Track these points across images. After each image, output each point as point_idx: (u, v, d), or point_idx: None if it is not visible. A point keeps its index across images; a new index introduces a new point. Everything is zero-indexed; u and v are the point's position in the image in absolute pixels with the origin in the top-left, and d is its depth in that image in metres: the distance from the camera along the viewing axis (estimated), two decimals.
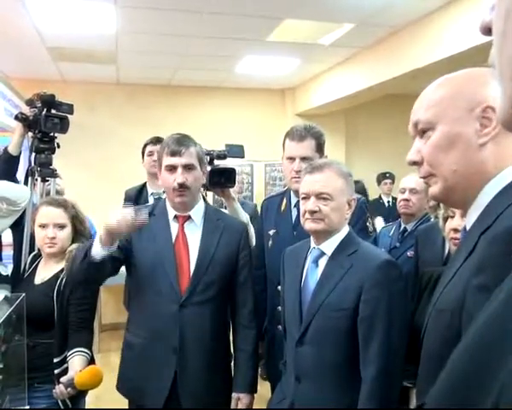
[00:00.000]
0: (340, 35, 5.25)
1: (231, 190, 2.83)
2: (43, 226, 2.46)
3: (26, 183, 3.15)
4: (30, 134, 3.12)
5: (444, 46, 4.39)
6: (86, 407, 2.62)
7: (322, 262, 2.01)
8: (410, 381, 1.88)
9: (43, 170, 3.10)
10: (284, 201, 2.64)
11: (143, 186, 3.86)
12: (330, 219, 1.96)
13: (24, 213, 2.84)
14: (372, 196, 6.93)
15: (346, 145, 7.94)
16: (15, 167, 3.11)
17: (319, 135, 2.52)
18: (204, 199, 2.46)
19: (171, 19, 4.75)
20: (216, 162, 2.78)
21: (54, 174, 3.18)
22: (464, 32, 4.09)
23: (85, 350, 2.36)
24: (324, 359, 1.91)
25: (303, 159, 2.43)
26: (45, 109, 3.04)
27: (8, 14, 4.60)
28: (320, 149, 2.51)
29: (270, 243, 2.60)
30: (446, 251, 2.61)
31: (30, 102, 3.18)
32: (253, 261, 2.46)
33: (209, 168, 2.63)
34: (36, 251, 2.70)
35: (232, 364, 2.39)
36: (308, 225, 1.99)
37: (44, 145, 3.11)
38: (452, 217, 2.21)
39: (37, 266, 2.59)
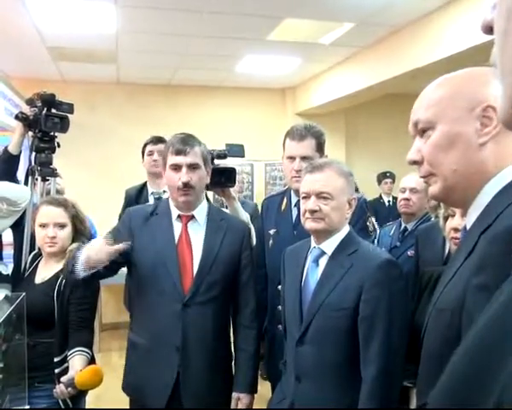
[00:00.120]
0: (341, 34, 5.25)
1: (231, 189, 2.83)
2: (44, 226, 2.46)
3: (26, 182, 3.15)
4: (30, 133, 3.12)
5: (444, 46, 4.39)
6: (87, 407, 2.63)
7: (323, 262, 2.00)
8: (410, 381, 1.88)
9: (44, 169, 3.10)
10: (284, 200, 2.64)
11: (144, 186, 3.85)
12: (331, 218, 1.96)
13: (24, 212, 2.84)
14: (372, 195, 6.92)
15: (346, 145, 7.94)
16: (15, 167, 3.11)
17: (319, 134, 2.52)
18: (207, 199, 2.46)
19: (171, 18, 4.75)
20: (216, 162, 2.78)
21: (54, 174, 3.18)
22: (464, 31, 4.09)
23: (86, 350, 2.36)
24: (324, 358, 1.91)
25: (303, 158, 2.43)
26: (45, 109, 3.04)
27: (8, 14, 4.60)
28: (320, 148, 2.51)
29: (271, 242, 2.60)
30: (447, 251, 2.61)
31: (30, 102, 3.18)
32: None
33: None
34: (36, 250, 2.70)
35: (233, 363, 2.39)
36: (308, 224, 1.99)
37: (45, 145, 3.11)
38: (453, 216, 2.21)
39: (37, 265, 2.59)
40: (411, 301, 2.19)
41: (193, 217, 2.32)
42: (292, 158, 2.49)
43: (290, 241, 2.31)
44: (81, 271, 2.07)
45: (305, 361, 1.95)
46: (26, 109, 3.17)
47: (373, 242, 2.87)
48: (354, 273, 1.90)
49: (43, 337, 2.37)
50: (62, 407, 2.30)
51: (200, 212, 2.34)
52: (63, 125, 3.10)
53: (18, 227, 2.93)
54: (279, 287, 2.30)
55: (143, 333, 2.30)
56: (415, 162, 1.19)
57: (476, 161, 1.09)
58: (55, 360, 2.36)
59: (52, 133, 3.13)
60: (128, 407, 2.40)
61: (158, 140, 3.75)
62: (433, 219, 3.07)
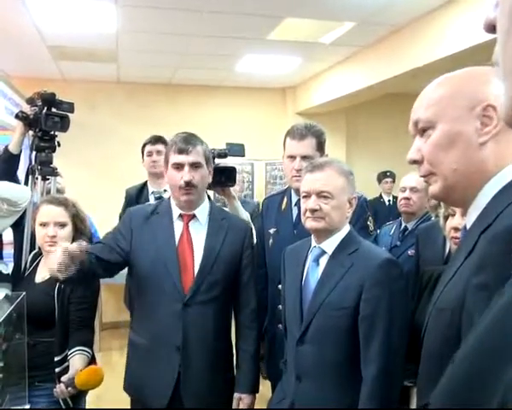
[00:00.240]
0: (341, 34, 5.25)
1: (232, 188, 2.83)
2: (44, 225, 2.46)
3: (26, 181, 3.14)
4: (30, 133, 3.12)
5: (444, 45, 4.39)
6: (87, 406, 2.63)
7: (323, 261, 2.00)
8: (410, 380, 1.88)
9: (44, 168, 3.10)
10: (285, 199, 2.64)
11: (144, 185, 3.86)
12: (331, 217, 1.96)
13: (24, 212, 2.84)
14: (373, 194, 6.92)
15: (346, 144, 7.94)
16: (16, 166, 3.11)
17: (320, 134, 2.52)
18: (209, 198, 2.45)
19: (171, 18, 4.75)
20: (217, 161, 2.78)
21: (54, 173, 3.17)
22: (465, 30, 4.09)
23: (86, 349, 2.36)
24: (325, 358, 1.91)
25: (304, 157, 2.43)
26: (46, 108, 3.04)
27: (8, 13, 4.60)
28: (321, 147, 2.51)
29: (271, 241, 2.60)
30: (447, 250, 2.61)
31: (30, 101, 3.18)
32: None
33: None
34: (36, 250, 2.70)
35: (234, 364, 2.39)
36: (309, 223, 1.99)
37: (45, 144, 3.11)
38: (453, 216, 2.20)
39: (37, 264, 2.59)
40: (411, 300, 2.19)
41: (194, 216, 2.32)
42: (292, 157, 2.49)
43: (290, 240, 2.31)
44: (58, 273, 1.99)
45: (306, 361, 1.95)
46: (27, 108, 3.17)
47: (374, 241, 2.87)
48: (355, 273, 1.90)
49: (43, 337, 2.37)
50: (62, 406, 2.30)
51: (202, 211, 2.33)
52: (63, 124, 3.10)
53: (18, 227, 2.93)
54: (279, 286, 2.30)
55: (144, 333, 2.30)
56: (415, 162, 1.19)
57: (476, 160, 1.09)
58: (56, 359, 2.36)
59: (52, 132, 3.12)
60: (128, 407, 2.40)
61: (156, 140, 3.75)
62: (433, 218, 3.07)
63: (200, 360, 2.22)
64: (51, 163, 3.14)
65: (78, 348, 2.34)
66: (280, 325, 2.31)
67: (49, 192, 3.15)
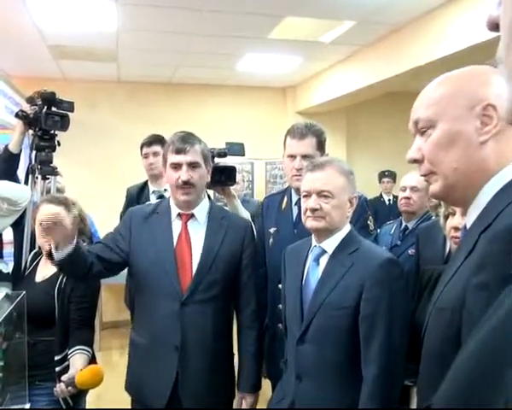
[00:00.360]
0: (341, 33, 5.24)
1: (234, 187, 2.83)
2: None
3: (26, 181, 3.15)
4: (30, 132, 3.12)
5: (445, 44, 4.39)
6: (87, 406, 2.63)
7: (324, 260, 2.00)
8: (410, 380, 1.88)
9: (44, 168, 3.10)
10: (285, 199, 2.64)
11: (145, 184, 3.86)
12: (331, 217, 1.95)
13: (24, 211, 2.84)
14: (373, 194, 6.92)
15: (346, 143, 7.94)
16: (16, 165, 3.11)
17: (320, 133, 2.52)
18: (209, 197, 2.45)
19: (171, 16, 4.75)
20: (216, 160, 2.78)
21: (54, 172, 3.18)
22: (465, 29, 4.09)
23: (86, 348, 2.36)
24: (325, 357, 1.91)
25: (304, 157, 2.43)
26: (46, 107, 3.04)
27: (8, 13, 4.60)
28: (321, 147, 2.51)
29: (271, 241, 2.59)
30: (447, 249, 2.61)
31: (30, 100, 3.18)
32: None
33: None
34: (36, 249, 2.70)
35: (235, 363, 2.39)
36: (309, 223, 1.99)
37: (45, 143, 3.11)
38: (453, 215, 2.20)
39: (37, 264, 2.59)
40: (412, 299, 2.19)
41: (193, 215, 2.31)
42: (292, 157, 2.49)
43: (290, 240, 2.30)
44: (55, 253, 2.05)
45: (306, 360, 1.95)
46: (27, 108, 3.16)
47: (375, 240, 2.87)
48: (355, 272, 1.90)
49: (43, 336, 2.37)
50: (63, 405, 2.31)
51: (201, 210, 2.33)
52: (63, 123, 3.10)
53: (18, 226, 2.93)
54: (279, 286, 2.30)
55: (143, 333, 2.30)
56: (415, 161, 1.19)
57: (477, 159, 1.09)
58: (56, 358, 2.36)
59: (52, 132, 3.12)
60: (128, 407, 2.40)
61: (151, 142, 3.74)
62: (433, 217, 3.07)
63: (199, 360, 2.21)
64: (51, 162, 3.14)
65: (78, 347, 2.34)
66: (280, 325, 2.31)
67: (49, 191, 3.15)
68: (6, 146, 3.08)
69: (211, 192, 2.89)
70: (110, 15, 4.69)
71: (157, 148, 3.67)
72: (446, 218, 2.26)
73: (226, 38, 5.43)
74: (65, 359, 2.36)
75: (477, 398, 0.56)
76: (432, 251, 2.75)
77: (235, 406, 2.39)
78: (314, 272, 2.01)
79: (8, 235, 3.19)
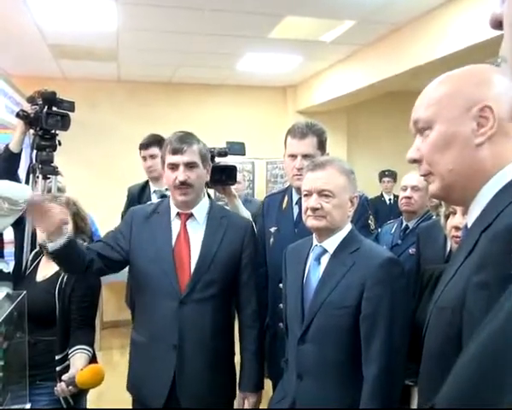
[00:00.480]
0: (342, 32, 5.24)
1: (234, 186, 2.83)
2: None
3: (27, 180, 3.15)
4: (31, 131, 3.12)
5: (445, 43, 4.38)
6: (88, 405, 2.63)
7: (325, 260, 2.00)
8: (411, 379, 1.88)
9: (45, 167, 3.09)
10: (286, 198, 2.64)
11: (146, 184, 3.87)
12: (332, 216, 1.95)
13: (25, 211, 2.84)
14: (374, 193, 6.93)
15: (347, 143, 7.94)
16: (16, 165, 3.11)
17: (321, 132, 2.52)
18: (209, 196, 2.45)
19: (172, 16, 4.75)
20: (217, 160, 2.78)
21: (55, 172, 3.17)
22: (466, 29, 4.09)
23: (87, 348, 2.36)
24: (326, 357, 1.91)
25: (305, 156, 2.43)
26: (46, 107, 3.04)
27: (9, 12, 4.60)
28: (322, 146, 2.51)
29: (272, 240, 2.60)
30: (448, 249, 2.61)
31: (31, 100, 3.17)
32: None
33: None
34: (37, 249, 2.70)
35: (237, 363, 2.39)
36: (310, 222, 1.99)
37: (46, 143, 3.11)
38: (454, 214, 2.20)
39: (38, 263, 2.59)
40: (412, 299, 2.19)
41: (192, 215, 2.32)
42: (293, 156, 2.49)
43: (291, 239, 2.30)
44: (48, 243, 2.06)
45: (307, 359, 1.95)
46: (27, 107, 3.16)
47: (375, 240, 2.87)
48: (356, 271, 1.90)
49: (44, 335, 2.37)
50: (63, 405, 2.31)
51: (200, 210, 2.33)
52: (64, 123, 3.10)
53: (19, 225, 2.93)
54: (280, 285, 2.30)
55: (143, 332, 2.31)
56: (415, 161, 1.19)
57: (473, 160, 1.09)
58: (57, 357, 2.36)
59: (53, 131, 3.12)
60: (129, 406, 2.41)
61: (148, 144, 3.73)
62: (434, 217, 3.07)
63: (197, 359, 2.21)
64: (52, 162, 3.14)
65: (78, 346, 2.34)
66: (281, 324, 2.31)
67: (49, 191, 3.14)
68: (7, 145, 3.09)
69: (211, 192, 2.90)
70: (110, 15, 4.69)
71: (154, 150, 3.67)
72: (447, 217, 2.26)
73: (226, 37, 5.43)
74: (65, 358, 2.36)
75: (480, 399, 0.56)
76: (432, 250, 2.75)
77: (236, 406, 2.39)
78: (315, 272, 2.01)
79: (9, 234, 3.19)
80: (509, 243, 0.89)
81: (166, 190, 3.47)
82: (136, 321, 2.42)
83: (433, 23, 4.59)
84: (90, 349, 2.37)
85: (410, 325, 1.87)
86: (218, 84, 7.59)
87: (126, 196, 3.96)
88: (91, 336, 2.48)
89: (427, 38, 4.66)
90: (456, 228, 2.15)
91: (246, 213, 2.82)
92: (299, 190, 2.33)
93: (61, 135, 3.18)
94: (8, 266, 2.76)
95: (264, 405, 2.40)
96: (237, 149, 2.93)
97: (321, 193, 1.96)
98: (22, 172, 3.32)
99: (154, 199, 3.48)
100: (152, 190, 3.76)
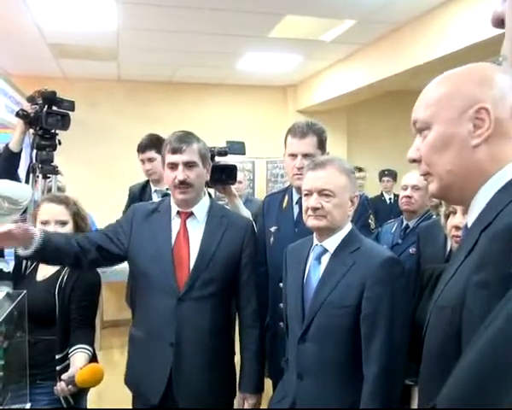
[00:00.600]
0: (342, 32, 5.24)
1: (236, 186, 2.84)
2: (45, 223, 2.46)
3: (27, 180, 3.15)
4: (31, 131, 3.12)
5: (445, 43, 4.38)
6: (88, 404, 2.63)
7: (325, 259, 2.00)
8: (411, 379, 1.88)
9: (45, 167, 3.10)
10: (286, 198, 2.64)
11: (147, 183, 3.87)
12: (333, 215, 1.95)
13: (25, 210, 2.85)
14: (374, 193, 6.93)
15: (347, 142, 7.94)
16: (16, 164, 3.11)
17: (321, 132, 2.52)
18: (210, 196, 2.46)
19: (172, 15, 4.75)
20: (217, 159, 2.78)
21: (55, 171, 3.18)
22: (466, 28, 4.09)
23: (87, 347, 2.36)
24: (326, 356, 1.91)
25: (305, 156, 2.43)
26: (46, 106, 3.04)
27: (8, 11, 4.60)
28: (322, 145, 2.51)
29: (272, 239, 2.60)
30: (448, 248, 2.61)
31: (31, 99, 3.18)
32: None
33: None
34: None
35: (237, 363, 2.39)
36: (310, 221, 1.99)
37: (46, 142, 3.11)
38: (454, 214, 2.20)
39: (38, 263, 2.59)
40: (413, 298, 2.19)
41: (192, 214, 2.32)
42: (293, 155, 2.49)
43: (291, 238, 2.30)
44: (20, 252, 2.10)
45: (307, 359, 1.95)
46: (27, 107, 3.17)
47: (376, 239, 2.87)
48: (356, 271, 1.90)
49: (44, 335, 2.37)
50: (63, 404, 2.31)
51: (200, 209, 2.34)
52: (64, 122, 3.10)
53: None
54: (280, 284, 2.30)
55: (141, 327, 2.32)
56: (414, 161, 1.19)
57: (471, 161, 1.09)
58: (57, 357, 2.36)
59: (53, 131, 3.13)
60: (129, 405, 2.41)
61: (144, 148, 3.73)
62: (434, 216, 3.07)
63: (195, 357, 2.21)
64: (52, 161, 3.14)
65: (79, 346, 2.34)
66: (281, 324, 2.31)
67: (49, 190, 3.15)
68: (7, 145, 3.09)
69: (212, 191, 2.90)
70: (110, 14, 4.69)
71: (151, 153, 3.68)
72: (447, 217, 2.26)
73: (226, 36, 5.42)
74: (65, 358, 2.36)
75: (480, 399, 0.56)
76: (433, 250, 2.75)
77: (235, 406, 2.39)
78: (315, 271, 2.01)
79: None
80: (508, 242, 0.89)
81: (167, 189, 3.48)
82: (135, 317, 2.43)
83: (433, 22, 4.58)
84: (90, 349, 2.37)
85: (411, 324, 1.87)
86: (218, 84, 7.59)
87: (127, 196, 3.97)
88: (91, 335, 2.47)
89: (428, 38, 4.66)
90: (457, 228, 2.16)
91: (246, 213, 2.83)
92: (299, 189, 2.32)
93: (61, 134, 3.18)
94: (9, 266, 2.76)
95: (264, 405, 2.40)
96: (237, 148, 2.93)
97: (321, 193, 1.96)
98: (22, 171, 3.32)
99: (155, 198, 3.48)
100: (153, 190, 3.76)
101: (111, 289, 6.30)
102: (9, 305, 1.99)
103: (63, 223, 2.48)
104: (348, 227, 2.02)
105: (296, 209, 2.55)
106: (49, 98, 3.06)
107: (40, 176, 3.11)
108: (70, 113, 3.13)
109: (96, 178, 6.92)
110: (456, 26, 4.26)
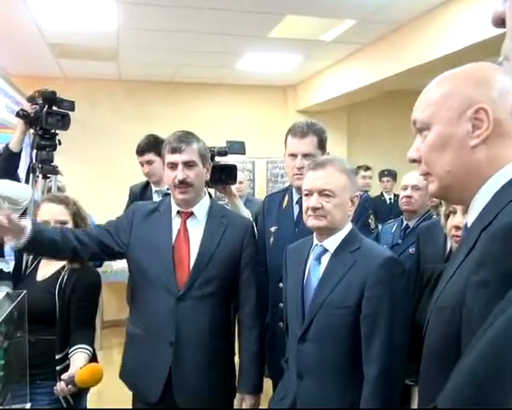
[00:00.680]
0: (342, 31, 5.24)
1: (237, 186, 2.84)
2: (45, 223, 2.46)
3: (27, 180, 3.15)
4: (31, 131, 3.12)
5: (446, 43, 4.38)
6: (88, 404, 2.63)
7: (325, 259, 2.00)
8: (411, 379, 1.88)
9: (45, 167, 3.10)
10: (286, 197, 2.64)
11: (148, 183, 3.87)
12: (333, 215, 1.95)
13: (25, 210, 2.85)
14: (374, 192, 6.92)
15: (347, 142, 7.93)
16: (16, 164, 3.11)
17: (321, 132, 2.52)
18: (210, 195, 2.46)
19: (172, 15, 4.75)
20: (217, 159, 2.78)
21: (55, 171, 3.18)
22: (466, 28, 4.09)
23: (87, 347, 2.36)
24: (326, 356, 1.91)
25: (305, 155, 2.43)
26: (46, 106, 3.04)
27: (8, 11, 4.60)
28: (322, 145, 2.51)
29: (272, 239, 2.59)
30: (448, 248, 2.61)
31: (31, 99, 3.18)
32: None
33: None
34: None
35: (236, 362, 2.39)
36: (311, 221, 1.99)
37: (46, 142, 3.11)
38: (454, 214, 2.20)
39: (38, 262, 2.59)
40: (413, 298, 2.19)
41: (192, 213, 2.32)
42: (294, 155, 2.49)
43: (291, 238, 2.31)
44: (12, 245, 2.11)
45: (307, 359, 1.95)
46: (27, 107, 3.17)
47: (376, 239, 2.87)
48: (356, 271, 1.90)
49: (44, 335, 2.37)
50: (63, 404, 2.30)
51: (200, 208, 2.34)
52: (64, 122, 3.10)
53: None
54: (280, 284, 2.30)
55: (140, 325, 2.32)
56: (414, 161, 1.19)
57: (470, 162, 1.09)
58: (57, 357, 2.36)
59: (53, 131, 3.13)
60: (130, 405, 2.41)
61: (143, 151, 3.74)
62: (434, 216, 3.06)
63: (194, 356, 2.21)
64: (52, 161, 3.14)
65: (79, 345, 2.34)
66: (281, 324, 2.31)
67: (49, 190, 3.15)
68: (7, 145, 3.09)
69: (212, 191, 2.90)
70: (111, 14, 4.69)
71: (149, 156, 3.69)
72: (447, 217, 2.26)
73: (226, 36, 5.42)
74: (66, 358, 2.35)
75: (481, 399, 0.56)
76: (433, 250, 2.75)
77: (235, 406, 2.38)
78: (315, 271, 2.01)
79: None
80: (508, 241, 0.89)
81: (167, 189, 3.48)
82: (133, 315, 2.42)
83: (433, 22, 4.58)
84: (90, 349, 2.37)
85: (411, 324, 1.87)
86: (218, 84, 7.59)
87: (128, 196, 3.97)
88: (91, 335, 2.47)
89: (428, 38, 4.66)
90: (457, 227, 2.16)
91: (246, 213, 2.83)
92: (299, 189, 2.32)
93: (61, 134, 3.18)
94: (9, 266, 2.76)
95: (264, 405, 2.40)
96: (237, 148, 2.93)
97: (321, 193, 1.96)
98: (22, 171, 3.32)
99: (156, 198, 3.49)
100: (154, 191, 3.77)
101: (111, 289, 6.30)
102: (9, 305, 1.99)
103: (63, 223, 2.48)
104: (348, 227, 2.02)
105: (296, 209, 2.55)
106: (49, 98, 3.06)
107: (40, 176, 3.11)
108: (70, 113, 3.13)
109: (96, 179, 6.92)
110: (456, 26, 4.26)
